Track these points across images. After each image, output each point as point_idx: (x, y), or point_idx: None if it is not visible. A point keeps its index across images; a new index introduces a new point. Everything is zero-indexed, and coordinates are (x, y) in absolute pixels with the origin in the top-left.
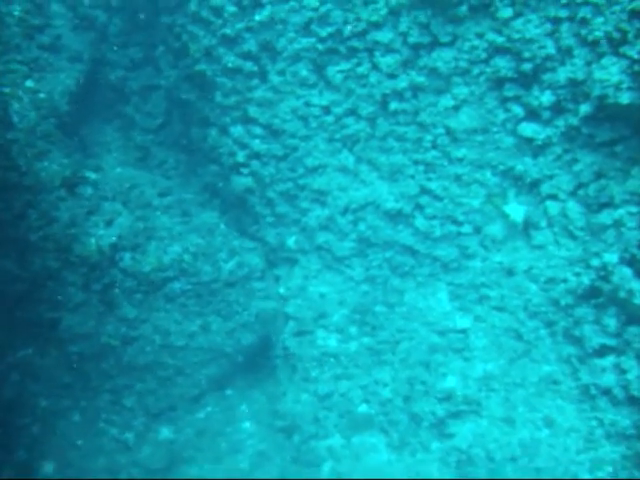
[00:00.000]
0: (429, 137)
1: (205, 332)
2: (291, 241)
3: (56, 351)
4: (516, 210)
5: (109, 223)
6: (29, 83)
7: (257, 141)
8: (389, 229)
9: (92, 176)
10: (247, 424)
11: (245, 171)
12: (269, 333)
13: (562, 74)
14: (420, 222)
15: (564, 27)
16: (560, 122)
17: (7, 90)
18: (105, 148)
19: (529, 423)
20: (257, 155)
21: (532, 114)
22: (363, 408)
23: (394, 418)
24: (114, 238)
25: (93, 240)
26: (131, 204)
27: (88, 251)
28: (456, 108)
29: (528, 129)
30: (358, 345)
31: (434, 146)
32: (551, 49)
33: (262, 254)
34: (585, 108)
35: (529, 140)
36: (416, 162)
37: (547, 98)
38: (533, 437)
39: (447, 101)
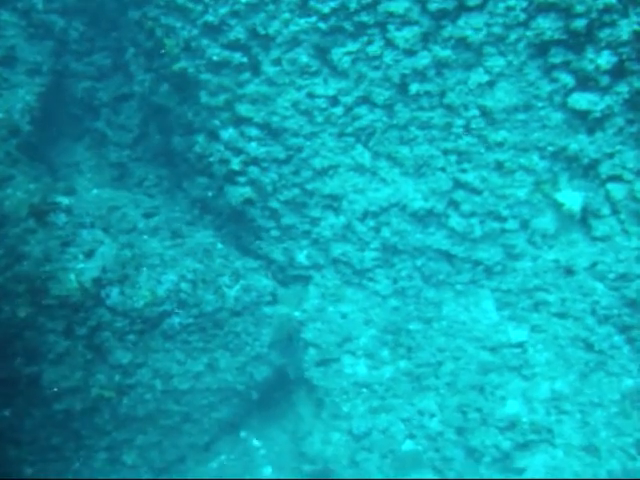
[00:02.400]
0: (460, 121)
1: (212, 371)
2: (302, 256)
3: (39, 411)
4: (571, 197)
5: (90, 254)
6: None
7: (254, 144)
8: (418, 233)
9: (65, 201)
10: (268, 470)
11: (242, 180)
12: (286, 364)
13: (625, 28)
14: (456, 221)
15: None
16: (622, 88)
17: None
18: (77, 169)
19: (618, 451)
20: (255, 160)
21: (586, 82)
22: (408, 445)
23: (447, 454)
24: (97, 271)
25: (72, 276)
26: (113, 229)
27: (67, 290)
28: (491, 84)
29: (581, 100)
30: (393, 370)
31: (467, 131)
32: None
33: (269, 274)
34: None
35: (583, 113)
36: (446, 152)
37: (605, 60)
38: (626, 468)
39: (479, 76)
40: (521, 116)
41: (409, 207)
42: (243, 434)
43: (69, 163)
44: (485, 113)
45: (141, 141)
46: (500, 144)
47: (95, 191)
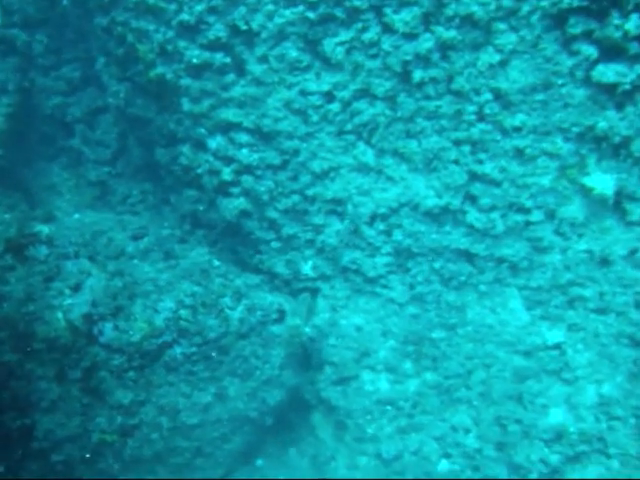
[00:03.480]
0: (472, 108)
1: (222, 400)
2: (307, 267)
3: (36, 464)
4: (601, 181)
5: (77, 288)
6: None
7: (245, 151)
8: (434, 233)
9: (44, 230)
10: None
11: (235, 191)
12: (300, 384)
13: None
14: (474, 217)
15: None
16: None
17: None
18: (54, 191)
19: None
20: (248, 169)
21: (611, 52)
22: (444, 465)
23: (488, 473)
24: (87, 307)
25: (60, 315)
26: (100, 257)
27: (56, 331)
28: (503, 64)
29: (608, 73)
30: (419, 384)
31: (480, 118)
32: None
33: (273, 289)
34: None
35: (610, 87)
36: (458, 142)
37: (635, 24)
38: None
39: (490, 56)
40: (540, 96)
41: (421, 206)
42: (260, 462)
43: (46, 185)
44: (499, 96)
45: (120, 156)
46: (518, 129)
47: (77, 215)
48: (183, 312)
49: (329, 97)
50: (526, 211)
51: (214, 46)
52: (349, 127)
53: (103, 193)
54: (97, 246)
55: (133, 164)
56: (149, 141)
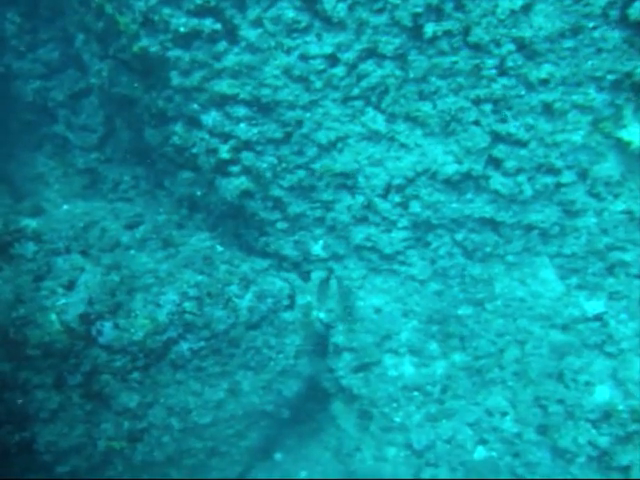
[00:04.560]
0: (492, 61)
1: (235, 395)
2: (318, 247)
3: (40, 477)
4: (639, 133)
5: (70, 286)
6: None
7: (243, 126)
8: (454, 202)
9: (32, 225)
10: None
11: (235, 169)
12: (318, 372)
13: None
14: (499, 182)
15: None
16: None
17: None
18: (42, 182)
19: None
20: (247, 144)
21: None
22: (481, 453)
23: (531, 459)
24: (83, 306)
25: (54, 317)
26: (94, 250)
27: (50, 335)
28: (526, 9)
29: None
30: (447, 366)
31: (502, 72)
32: None
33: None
34: None
35: None
36: (478, 101)
37: None
38: None
39: (510, 2)
40: (568, 43)
41: (440, 173)
42: (278, 456)
43: (32, 176)
44: (522, 46)
45: (108, 140)
46: (545, 81)
47: (66, 206)
48: (188, 304)
49: (332, 60)
50: (556, 172)
51: (202, 11)
52: (356, 92)
53: (93, 181)
54: (90, 238)
55: (122, 148)
56: (138, 122)
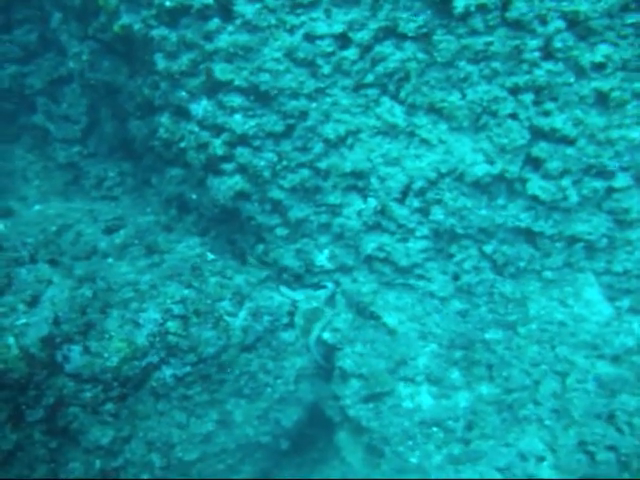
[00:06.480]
0: (535, 42)
1: (226, 427)
2: (323, 257)
3: None
4: None
5: (33, 302)
6: None
7: (238, 117)
8: (484, 208)
9: None
10: None
11: (228, 167)
12: (321, 398)
13: None
14: (537, 186)
15: None
16: None
17: None
18: (20, 177)
19: None
20: (243, 139)
21: None
22: None
23: None
24: (46, 327)
25: (11, 339)
26: (66, 258)
27: (5, 362)
28: None
29: None
30: (472, 399)
31: (547, 55)
32: None
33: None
34: None
35: None
36: (516, 90)
37: None
38: None
39: None
40: (631, 18)
41: (468, 175)
42: None
43: (9, 171)
44: (574, 23)
45: (92, 133)
46: (600, 66)
47: (38, 207)
48: (171, 324)
49: (343, 41)
50: (608, 175)
51: None
52: (370, 79)
53: (75, 177)
54: (62, 244)
55: (107, 141)
56: (123, 112)
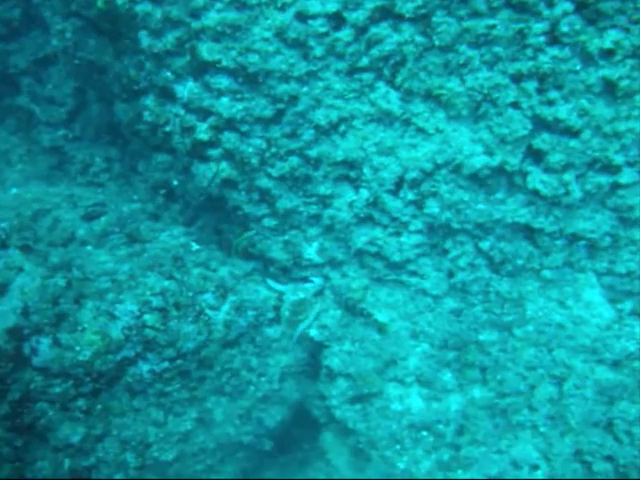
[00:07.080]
0: (540, 25)
1: (206, 426)
2: (311, 250)
3: None
4: None
5: (2, 291)
6: None
7: (225, 100)
8: (481, 202)
9: None
10: None
11: (215, 153)
12: (305, 398)
13: None
14: (539, 180)
15: None
16: None
17: None
18: (3, 160)
19: None
20: (230, 123)
21: None
22: None
23: None
24: (13, 317)
25: None
26: (41, 245)
27: None
28: None
29: None
30: (464, 402)
31: (553, 40)
32: None
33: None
34: None
35: None
36: (519, 77)
37: None
38: None
39: None
40: None
41: (465, 167)
42: None
43: None
44: (583, 5)
45: (78, 115)
46: (609, 53)
47: (15, 190)
48: (149, 317)
49: (337, 21)
50: (613, 170)
51: None
52: (365, 62)
53: (60, 161)
54: (38, 230)
55: (94, 125)
56: (109, 94)
